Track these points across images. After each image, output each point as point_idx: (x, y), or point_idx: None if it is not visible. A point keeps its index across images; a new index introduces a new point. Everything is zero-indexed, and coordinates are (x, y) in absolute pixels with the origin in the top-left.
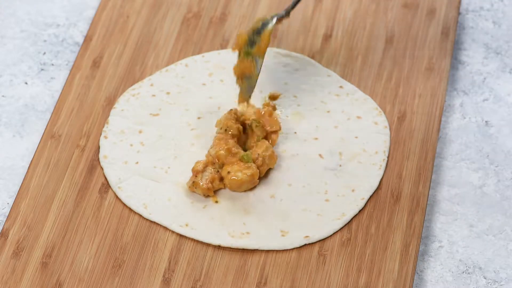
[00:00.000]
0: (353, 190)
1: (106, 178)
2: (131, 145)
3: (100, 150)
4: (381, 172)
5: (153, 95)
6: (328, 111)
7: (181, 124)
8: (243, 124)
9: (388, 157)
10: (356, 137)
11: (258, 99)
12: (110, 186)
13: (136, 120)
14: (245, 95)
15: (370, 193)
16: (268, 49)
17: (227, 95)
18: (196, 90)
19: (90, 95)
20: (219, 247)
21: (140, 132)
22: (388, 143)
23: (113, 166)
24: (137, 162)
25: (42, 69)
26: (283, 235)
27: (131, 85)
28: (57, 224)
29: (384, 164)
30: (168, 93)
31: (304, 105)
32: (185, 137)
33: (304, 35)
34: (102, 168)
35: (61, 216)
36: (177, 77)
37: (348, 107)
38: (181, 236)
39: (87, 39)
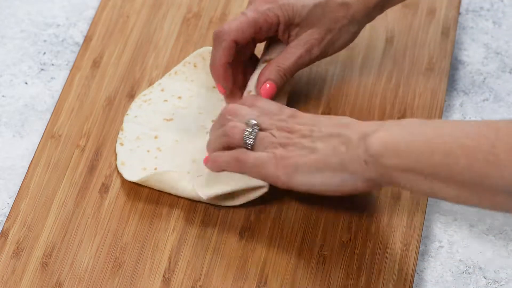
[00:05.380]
0: None
1: (121, 180)
2: (148, 151)
3: (117, 157)
4: None
5: (165, 100)
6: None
7: (197, 128)
8: None
9: None
10: None
11: None
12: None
13: (151, 126)
14: None
15: None
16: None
17: None
18: (207, 93)
19: (90, 95)
20: (219, 248)
21: (156, 137)
22: None
23: (131, 172)
24: (155, 168)
25: (42, 69)
26: None
27: (131, 85)
28: (57, 224)
29: None
30: (179, 97)
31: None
32: (202, 141)
33: None
34: (120, 174)
35: (61, 216)
36: (187, 81)
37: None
38: (181, 236)
39: (87, 39)
